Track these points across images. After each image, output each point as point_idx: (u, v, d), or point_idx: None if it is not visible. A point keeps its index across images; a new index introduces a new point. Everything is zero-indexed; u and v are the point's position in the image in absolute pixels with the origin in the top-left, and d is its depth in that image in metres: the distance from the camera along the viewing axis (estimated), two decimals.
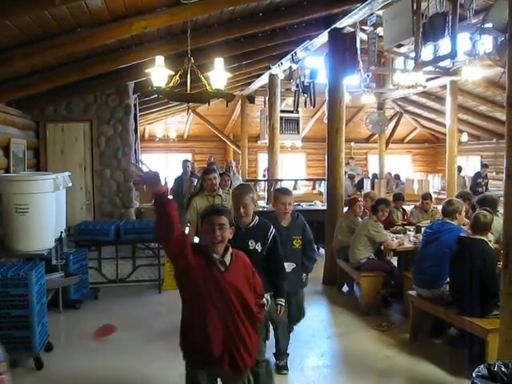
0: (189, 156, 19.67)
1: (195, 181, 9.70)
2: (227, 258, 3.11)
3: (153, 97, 11.18)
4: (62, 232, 6.49)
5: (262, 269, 3.70)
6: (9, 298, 4.84)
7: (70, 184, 6.98)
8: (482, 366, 2.91)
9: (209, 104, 6.22)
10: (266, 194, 11.99)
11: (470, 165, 19.57)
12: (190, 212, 6.04)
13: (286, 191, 4.94)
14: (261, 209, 9.97)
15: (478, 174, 15.13)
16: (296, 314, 5.02)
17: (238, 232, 3.60)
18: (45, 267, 5.44)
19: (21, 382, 4.75)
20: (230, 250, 3.15)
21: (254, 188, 10.97)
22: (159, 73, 5.47)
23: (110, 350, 5.53)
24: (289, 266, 4.52)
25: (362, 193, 12.01)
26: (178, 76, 5.50)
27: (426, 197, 8.88)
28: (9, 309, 4.85)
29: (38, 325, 5.02)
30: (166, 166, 19.97)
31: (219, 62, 5.48)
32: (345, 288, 7.80)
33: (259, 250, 3.90)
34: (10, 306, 4.85)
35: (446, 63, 11.87)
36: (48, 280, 5.64)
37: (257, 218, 4.03)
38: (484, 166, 15.62)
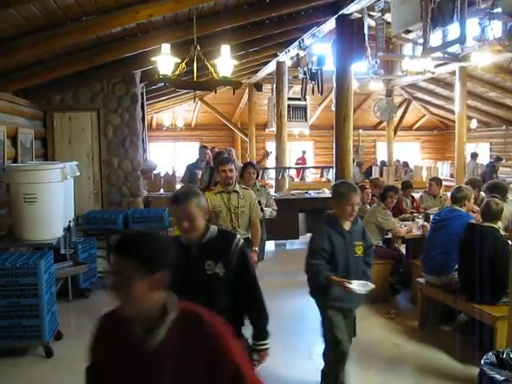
0: (196, 145, 19.65)
1: (199, 173, 8.66)
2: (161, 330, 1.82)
3: (160, 85, 11.14)
4: (70, 221, 6.50)
5: (229, 301, 2.83)
6: (18, 288, 4.87)
7: (78, 173, 6.99)
8: (490, 353, 2.90)
9: (216, 92, 6.19)
10: (274, 183, 11.98)
11: (480, 152, 19.45)
12: None
13: (355, 189, 3.90)
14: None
15: (492, 167, 14.92)
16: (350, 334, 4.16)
17: (188, 252, 2.77)
18: (53, 256, 5.46)
19: (31, 370, 4.79)
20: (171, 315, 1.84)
21: (262, 176, 10.95)
22: (165, 61, 5.45)
23: None
24: (361, 286, 3.68)
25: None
26: (184, 64, 5.47)
27: (434, 179, 8.93)
28: (18, 298, 4.88)
29: (48, 314, 5.05)
30: (174, 155, 19.99)
31: (226, 49, 5.44)
32: None
33: (221, 274, 2.79)
34: (20, 295, 4.88)
35: (455, 49, 11.77)
36: (57, 269, 5.67)
37: (214, 228, 2.89)
38: (498, 159, 15.49)
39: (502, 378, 2.64)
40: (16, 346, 4.99)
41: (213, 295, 2.73)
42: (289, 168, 12.77)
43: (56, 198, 5.94)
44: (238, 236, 2.96)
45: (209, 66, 5.50)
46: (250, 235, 5.21)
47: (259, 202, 5.82)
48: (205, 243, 2.81)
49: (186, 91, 12.48)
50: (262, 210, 5.95)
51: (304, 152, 19.59)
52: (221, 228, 3.07)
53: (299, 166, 17.12)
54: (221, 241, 2.84)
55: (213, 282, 2.78)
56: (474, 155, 16.20)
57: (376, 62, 11.65)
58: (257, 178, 6.52)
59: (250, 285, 2.90)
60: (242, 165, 8.09)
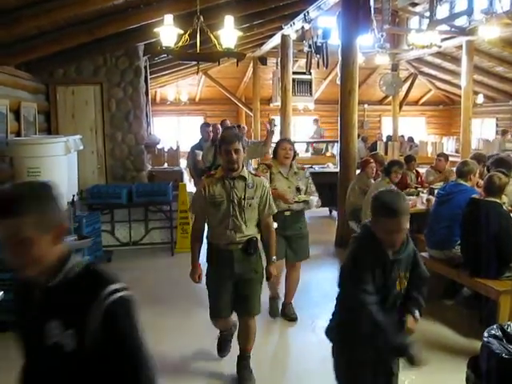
0: (200, 119, 19.57)
1: (200, 154, 7.90)
2: None
3: (163, 59, 11.06)
4: (74, 195, 6.50)
5: None
6: None
7: (82, 147, 6.97)
8: (494, 326, 2.90)
9: (219, 63, 6.12)
10: None
11: (485, 127, 19.32)
12: (193, 205, 4.11)
13: (404, 209, 2.74)
14: None
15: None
16: None
17: (27, 299, 1.81)
18: None
19: None
20: None
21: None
22: (168, 32, 5.38)
23: None
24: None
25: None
26: (187, 35, 5.40)
27: (440, 154, 8.92)
28: None
29: None
30: (178, 130, 19.93)
31: (229, 20, 5.35)
32: None
33: (68, 349, 1.63)
34: None
35: (462, 22, 11.63)
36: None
37: (79, 262, 1.77)
38: (504, 132, 15.41)
39: (505, 350, 2.64)
40: None
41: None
42: (294, 142, 12.69)
43: (60, 171, 5.93)
44: (115, 286, 1.70)
45: (212, 37, 5.43)
46: (259, 236, 4.02)
47: (298, 189, 5.10)
48: (53, 288, 1.69)
49: (189, 64, 12.38)
50: (305, 201, 5.13)
51: (316, 120, 19.46)
52: (93, 265, 1.82)
53: (310, 140, 17.07)
54: (81, 287, 1.68)
55: (51, 362, 1.67)
56: (504, 132, 16.06)
57: (382, 36, 11.52)
58: (294, 158, 5.25)
59: (121, 374, 1.67)
60: (251, 141, 7.97)
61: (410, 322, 2.84)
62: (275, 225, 4.54)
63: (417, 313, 2.91)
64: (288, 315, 5.39)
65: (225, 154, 3.80)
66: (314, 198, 5.27)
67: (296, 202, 5.07)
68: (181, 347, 4.72)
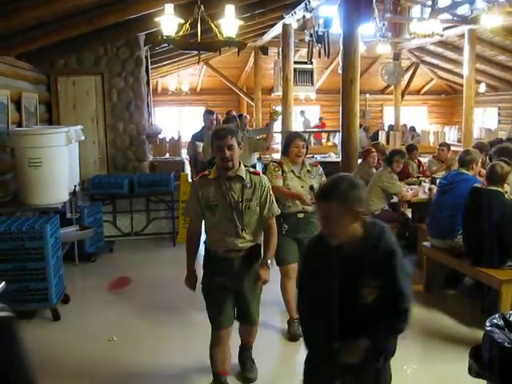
0: (202, 109, 19.48)
1: (200, 146, 7.45)
2: None
3: (164, 48, 11.01)
4: (75, 186, 6.50)
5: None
6: (24, 251, 4.91)
7: (83, 137, 6.96)
8: (496, 315, 2.89)
9: (220, 53, 6.09)
10: (280, 147, 11.90)
11: (487, 117, 19.26)
12: (187, 208, 3.75)
13: (330, 194, 2.40)
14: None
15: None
16: None
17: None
18: (60, 221, 5.48)
19: (39, 332, 4.85)
20: None
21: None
22: (169, 21, 5.35)
23: (125, 302, 5.61)
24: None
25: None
26: (187, 25, 5.37)
27: (443, 144, 8.90)
28: (25, 262, 4.92)
29: (55, 277, 5.09)
30: (179, 120, 19.90)
31: (230, 9, 5.32)
32: None
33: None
34: (26, 259, 4.93)
35: (464, 11, 11.56)
36: (63, 233, 5.69)
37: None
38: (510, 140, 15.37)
39: (507, 339, 2.64)
40: (24, 309, 5.04)
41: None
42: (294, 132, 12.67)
43: (61, 162, 5.93)
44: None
45: (213, 26, 5.40)
46: (258, 242, 3.72)
47: (311, 187, 4.63)
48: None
49: (190, 54, 12.32)
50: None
51: (321, 118, 19.45)
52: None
53: (316, 130, 17.08)
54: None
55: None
56: None
57: (383, 25, 11.47)
58: (306, 154, 4.83)
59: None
60: (253, 130, 7.85)
61: (348, 350, 2.39)
62: (285, 227, 4.60)
63: (362, 343, 2.35)
64: (291, 332, 4.69)
65: (217, 151, 3.42)
66: None
67: (313, 202, 4.37)
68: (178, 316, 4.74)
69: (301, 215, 4.68)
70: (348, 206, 2.32)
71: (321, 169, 4.89)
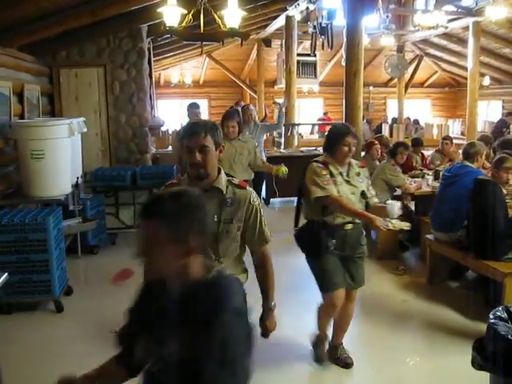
0: (204, 102, 19.45)
1: None
2: None
3: (167, 40, 10.99)
4: (78, 178, 6.50)
5: None
6: (28, 243, 4.91)
7: (85, 129, 6.95)
8: (500, 307, 2.88)
9: (223, 43, 6.07)
10: (282, 140, 11.89)
11: (491, 110, 19.18)
12: None
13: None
14: (278, 154, 9.92)
15: (503, 123, 14.68)
16: None
17: None
18: (62, 213, 5.48)
19: (42, 324, 4.86)
20: None
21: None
22: (172, 12, 5.34)
23: (127, 294, 5.60)
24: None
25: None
26: (190, 15, 5.35)
27: (446, 137, 8.86)
28: (28, 254, 4.92)
29: (58, 269, 5.09)
30: (181, 112, 19.85)
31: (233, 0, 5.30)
32: None
33: None
34: (29, 251, 4.92)
35: (469, 2, 11.49)
36: (66, 225, 5.69)
37: None
38: (509, 114, 15.26)
39: (511, 331, 2.63)
40: (28, 301, 5.07)
41: None
42: (298, 125, 12.66)
43: (63, 154, 5.92)
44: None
45: (216, 17, 5.38)
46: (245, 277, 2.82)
47: (363, 194, 3.80)
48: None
49: (193, 46, 12.30)
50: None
51: (325, 113, 19.39)
52: None
53: (320, 122, 17.06)
54: None
55: None
56: (509, 113, 15.91)
57: (387, 16, 11.41)
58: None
59: None
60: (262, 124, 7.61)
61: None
62: (333, 242, 3.70)
63: None
64: (341, 359, 4.08)
65: (187, 154, 2.59)
66: (394, 204, 3.88)
67: (389, 229, 3.72)
68: None
69: (349, 226, 3.77)
70: (178, 232, 1.73)
71: (366, 170, 4.07)
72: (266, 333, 2.77)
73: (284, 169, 5.86)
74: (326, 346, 4.13)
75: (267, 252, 2.78)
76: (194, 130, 2.57)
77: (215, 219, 2.58)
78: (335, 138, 3.76)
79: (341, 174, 3.75)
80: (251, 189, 2.73)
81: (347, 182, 3.76)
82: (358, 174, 3.86)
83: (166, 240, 1.72)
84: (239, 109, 7.97)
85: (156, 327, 1.77)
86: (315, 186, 3.63)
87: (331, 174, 3.70)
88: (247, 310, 1.84)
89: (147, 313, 1.85)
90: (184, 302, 1.72)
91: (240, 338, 1.70)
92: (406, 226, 3.72)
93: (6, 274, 3.38)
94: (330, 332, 4.14)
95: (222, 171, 2.69)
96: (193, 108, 7.17)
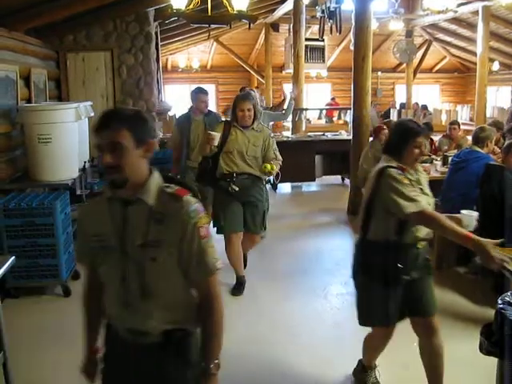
0: (212, 87, 19.39)
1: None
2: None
3: (174, 24, 10.92)
4: (85, 162, 6.49)
5: None
6: (35, 227, 4.92)
7: (92, 114, 6.92)
8: (508, 292, 2.86)
9: (230, 26, 6.01)
10: (290, 125, 11.84)
11: (501, 95, 19.02)
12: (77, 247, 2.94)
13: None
14: (285, 139, 9.90)
15: None
16: None
17: None
18: (70, 197, 5.48)
19: (50, 308, 4.88)
20: None
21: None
22: None
23: None
24: None
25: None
26: None
27: (454, 122, 8.79)
28: (35, 238, 4.94)
29: (65, 253, 5.11)
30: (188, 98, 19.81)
31: None
32: None
33: None
34: (37, 235, 4.94)
35: None
36: (73, 210, 5.69)
37: None
38: None
39: None
40: (35, 285, 5.09)
41: None
42: (306, 109, 12.60)
43: (71, 138, 5.90)
44: None
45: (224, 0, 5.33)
46: (186, 326, 2.02)
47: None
48: None
49: (200, 30, 12.23)
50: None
51: (333, 98, 19.31)
52: None
53: (328, 107, 17.01)
54: None
55: None
56: None
57: (396, 0, 11.30)
58: None
59: None
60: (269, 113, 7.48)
61: None
62: (400, 267, 3.05)
63: None
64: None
65: (98, 152, 1.92)
66: (471, 216, 3.95)
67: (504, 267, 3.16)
68: None
69: (422, 244, 3.22)
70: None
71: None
72: None
73: (269, 166, 4.83)
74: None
75: (213, 288, 1.99)
76: (104, 121, 1.89)
77: (140, 241, 1.90)
78: (404, 138, 3.14)
79: (418, 180, 3.16)
80: (191, 199, 1.95)
81: (421, 190, 3.12)
82: (425, 179, 3.29)
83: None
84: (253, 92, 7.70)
85: None
86: (403, 198, 2.90)
87: (410, 180, 3.05)
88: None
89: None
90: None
91: None
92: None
93: (14, 257, 3.38)
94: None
95: (155, 175, 1.99)
96: (197, 93, 6.18)
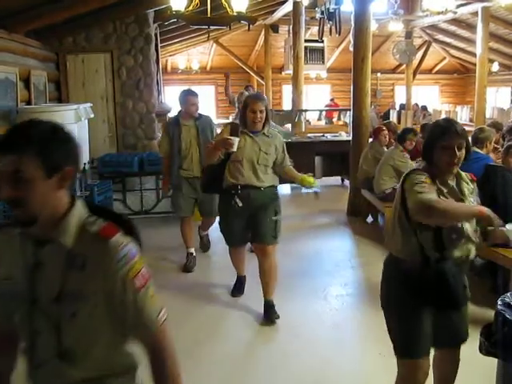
0: (212, 89, 19.42)
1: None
2: None
3: (174, 26, 10.93)
4: (85, 164, 6.50)
5: None
6: None
7: (92, 115, 6.94)
8: (508, 293, 2.87)
9: (230, 28, 6.02)
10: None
11: (500, 96, 19.04)
12: None
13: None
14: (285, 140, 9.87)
15: None
16: None
17: None
18: None
19: None
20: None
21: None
22: None
23: None
24: None
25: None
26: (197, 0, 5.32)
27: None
28: None
29: None
30: None
31: None
32: (369, 219, 7.78)
33: None
34: None
35: None
36: None
37: None
38: None
39: None
40: None
41: None
42: (305, 111, 12.61)
43: None
44: None
45: (223, 1, 5.34)
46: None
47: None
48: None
49: (199, 32, 12.24)
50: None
51: (332, 99, 19.31)
52: None
53: (328, 108, 17.01)
54: None
55: None
56: None
57: (396, 2, 11.32)
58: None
59: None
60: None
61: None
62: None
63: None
64: None
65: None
66: None
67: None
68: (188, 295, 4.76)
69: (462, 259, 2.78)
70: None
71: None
72: None
73: (312, 179, 4.39)
74: None
75: (159, 343, 1.62)
76: (6, 142, 1.48)
77: (53, 294, 1.50)
78: (431, 139, 2.69)
79: (452, 191, 2.69)
80: (121, 239, 1.56)
81: (461, 201, 2.68)
82: (472, 192, 2.83)
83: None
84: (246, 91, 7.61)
85: None
86: (414, 194, 2.50)
87: (439, 190, 2.62)
88: None
89: None
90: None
91: None
92: None
93: None
94: None
95: (77, 207, 1.58)
96: (186, 95, 5.60)
